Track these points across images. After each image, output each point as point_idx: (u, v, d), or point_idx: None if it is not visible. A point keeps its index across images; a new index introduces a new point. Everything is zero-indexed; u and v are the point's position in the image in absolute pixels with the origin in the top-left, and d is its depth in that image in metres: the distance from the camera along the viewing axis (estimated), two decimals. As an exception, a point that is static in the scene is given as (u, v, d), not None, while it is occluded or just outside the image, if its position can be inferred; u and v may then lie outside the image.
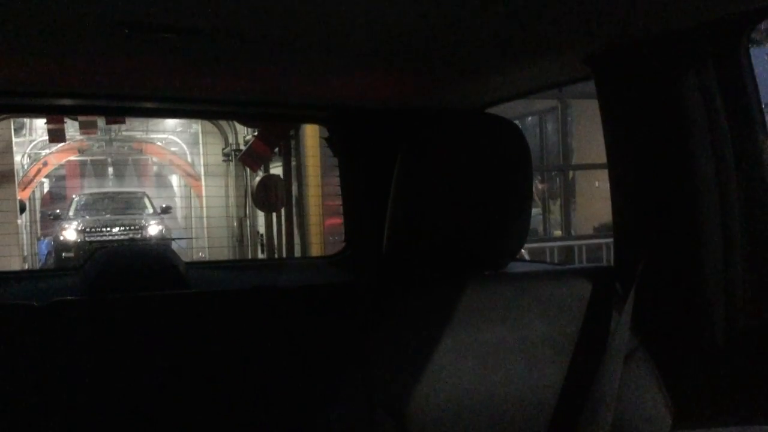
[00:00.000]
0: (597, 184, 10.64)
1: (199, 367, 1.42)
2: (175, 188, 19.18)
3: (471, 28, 1.34)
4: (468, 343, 1.29)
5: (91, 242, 12.87)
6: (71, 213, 14.50)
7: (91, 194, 15.76)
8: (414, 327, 1.30)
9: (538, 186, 10.58)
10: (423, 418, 1.23)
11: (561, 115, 9.21)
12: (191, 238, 15.07)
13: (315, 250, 8.94)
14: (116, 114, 5.37)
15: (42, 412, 1.35)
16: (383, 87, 1.83)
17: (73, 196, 15.89)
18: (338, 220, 8.66)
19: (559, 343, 1.33)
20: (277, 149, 9.74)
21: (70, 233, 13.32)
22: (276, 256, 10.12)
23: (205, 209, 14.54)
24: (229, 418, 1.40)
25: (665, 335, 1.38)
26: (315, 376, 1.34)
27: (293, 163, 9.35)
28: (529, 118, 10.29)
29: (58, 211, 14.98)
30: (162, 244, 12.06)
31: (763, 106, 1.40)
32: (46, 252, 14.81)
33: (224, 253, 12.99)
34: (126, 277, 1.67)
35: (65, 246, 13.14)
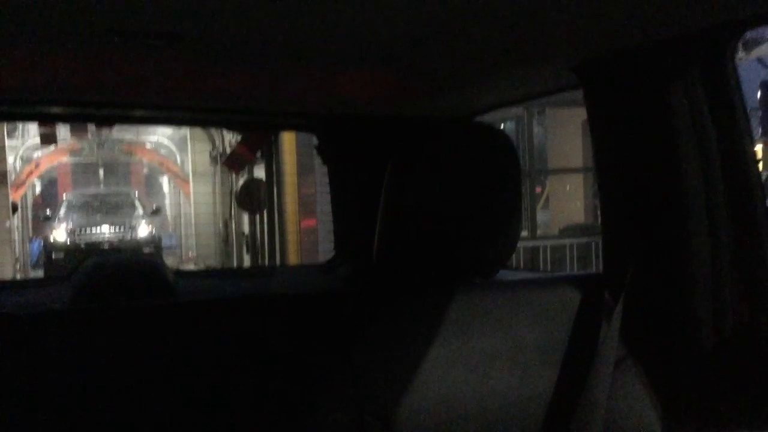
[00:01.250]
0: (568, 187, 10.75)
1: (187, 377, 1.36)
2: (165, 189, 19.09)
3: (460, 36, 1.30)
4: (457, 350, 1.26)
5: (81, 243, 12.56)
6: (61, 214, 14.08)
7: (81, 195, 15.31)
8: (404, 335, 1.26)
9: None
10: (413, 426, 1.20)
11: (527, 123, 9.28)
12: (180, 246, 14.99)
13: (292, 250, 9.03)
14: (105, 122, 5.30)
15: (27, 422, 1.28)
16: (373, 95, 1.78)
17: (63, 196, 15.50)
18: (312, 222, 8.82)
19: (549, 350, 1.30)
20: (259, 153, 9.76)
21: (59, 234, 12.96)
22: (258, 255, 10.12)
23: (193, 210, 14.50)
24: (218, 424, 1.34)
25: (654, 342, 1.35)
26: (305, 385, 1.29)
27: (273, 167, 9.38)
28: (508, 123, 10.35)
29: (48, 212, 14.64)
30: (150, 254, 11.69)
31: (749, 110, 1.37)
32: (37, 252, 14.58)
33: (211, 251, 12.97)
34: (114, 287, 1.62)
35: (55, 247, 12.77)
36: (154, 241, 13.22)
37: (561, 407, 1.26)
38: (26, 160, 16.43)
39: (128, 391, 1.30)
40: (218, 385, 1.35)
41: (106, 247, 12.56)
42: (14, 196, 13.90)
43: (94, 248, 12.20)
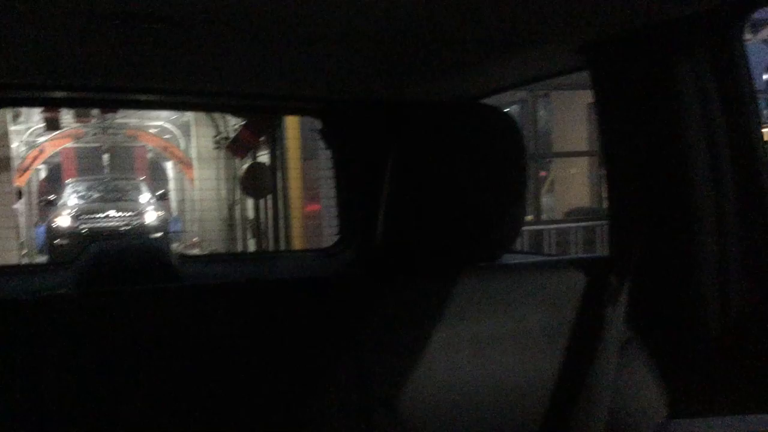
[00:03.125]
0: (573, 171, 10.72)
1: (191, 361, 1.36)
2: (169, 174, 19.06)
3: (465, 17, 1.28)
4: (462, 334, 1.25)
5: (85, 229, 12.14)
6: (64, 199, 13.64)
7: (85, 180, 14.93)
8: (408, 319, 1.26)
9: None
10: (417, 409, 1.20)
11: (532, 106, 9.23)
12: (185, 231, 14.85)
13: (296, 234, 9.04)
14: (109, 107, 5.29)
15: (33, 406, 1.28)
16: (377, 78, 1.77)
17: (67, 181, 15.11)
18: (316, 206, 8.85)
19: (555, 333, 1.30)
20: (263, 138, 9.73)
21: (62, 220, 12.46)
22: (263, 239, 10.11)
23: (197, 195, 14.46)
24: (223, 411, 1.35)
25: (660, 325, 1.34)
26: (309, 369, 1.29)
27: (277, 152, 9.36)
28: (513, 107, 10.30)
29: (51, 196, 14.18)
30: (155, 238, 11.52)
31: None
32: (43, 237, 14.39)
33: (215, 236, 12.93)
34: (118, 271, 1.61)
35: (58, 233, 12.27)
36: (162, 227, 12.83)
37: (566, 390, 1.26)
38: (31, 146, 16.43)
39: (132, 374, 1.30)
40: (222, 369, 1.35)
41: (112, 233, 12.17)
42: (19, 182, 13.84)
43: (99, 234, 11.82)
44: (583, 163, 10.41)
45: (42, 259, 13.22)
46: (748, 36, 8.36)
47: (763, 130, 1.37)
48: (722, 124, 1.31)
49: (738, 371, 1.30)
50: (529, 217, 9.30)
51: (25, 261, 12.34)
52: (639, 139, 1.40)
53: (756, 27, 8.25)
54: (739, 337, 1.30)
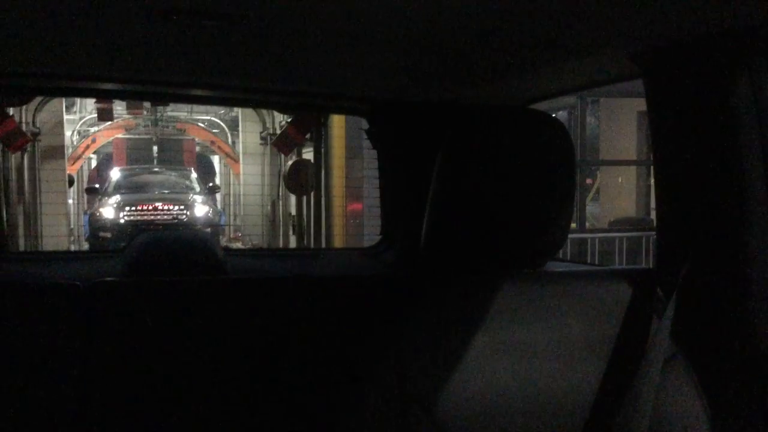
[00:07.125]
0: (620, 180, 10.57)
1: (233, 352, 1.37)
2: (216, 168, 19.31)
3: (517, 23, 1.27)
4: (503, 341, 1.24)
5: (130, 222, 11.24)
6: (110, 189, 12.76)
7: (131, 169, 14.21)
8: (449, 323, 1.25)
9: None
10: (455, 413, 1.19)
11: (580, 113, 9.10)
12: (229, 225, 14.62)
13: (337, 233, 9.05)
14: (160, 100, 5.39)
15: (83, 387, 1.32)
16: (425, 80, 1.76)
17: (112, 170, 14.38)
18: (358, 206, 8.90)
19: (597, 345, 1.27)
20: (308, 135, 9.80)
21: (106, 211, 11.52)
22: (304, 236, 10.15)
23: (242, 189, 14.58)
24: (263, 403, 1.36)
25: (706, 341, 1.31)
26: (347, 366, 1.29)
27: (322, 150, 9.40)
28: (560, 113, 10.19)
29: (96, 185, 13.44)
30: (202, 231, 10.46)
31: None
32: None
33: (258, 231, 13.01)
34: (165, 262, 1.64)
35: (101, 224, 11.30)
36: (212, 222, 11.96)
37: (606, 402, 1.24)
38: (83, 135, 16.80)
39: (176, 360, 1.32)
40: (262, 362, 1.36)
41: (159, 227, 11.09)
42: (71, 170, 14.09)
43: (145, 228, 10.71)
44: (631, 172, 10.25)
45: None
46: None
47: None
48: None
49: None
50: (572, 225, 9.19)
51: (74, 247, 12.43)
52: (691, 149, 1.37)
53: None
54: None
